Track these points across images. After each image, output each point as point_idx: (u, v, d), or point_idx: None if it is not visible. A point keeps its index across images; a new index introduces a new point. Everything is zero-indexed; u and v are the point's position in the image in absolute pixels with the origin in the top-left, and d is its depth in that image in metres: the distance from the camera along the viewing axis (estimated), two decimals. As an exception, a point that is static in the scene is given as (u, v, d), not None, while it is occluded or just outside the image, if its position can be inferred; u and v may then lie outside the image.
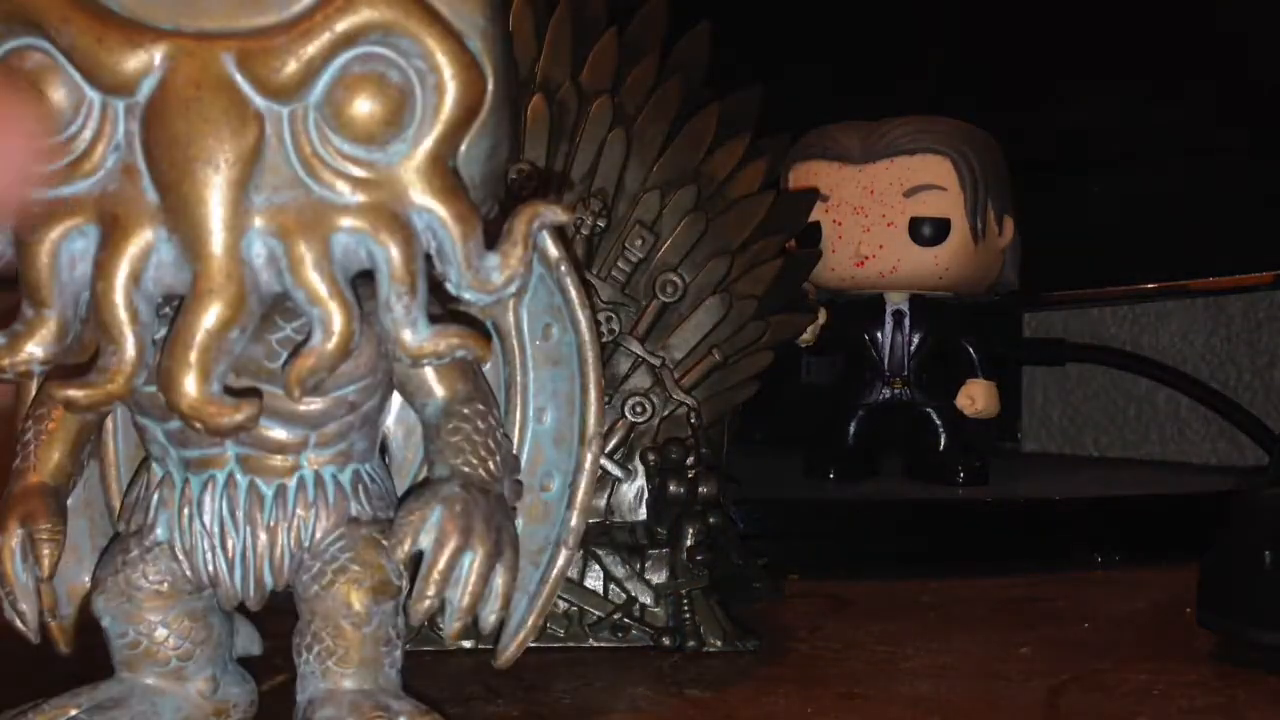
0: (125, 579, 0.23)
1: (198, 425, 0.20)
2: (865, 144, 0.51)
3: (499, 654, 0.24)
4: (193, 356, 0.19)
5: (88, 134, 0.20)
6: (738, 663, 0.30)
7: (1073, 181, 0.68)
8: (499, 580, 0.22)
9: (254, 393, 0.20)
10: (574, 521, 0.24)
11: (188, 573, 0.23)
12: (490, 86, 0.20)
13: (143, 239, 0.20)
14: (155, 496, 0.23)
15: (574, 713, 0.26)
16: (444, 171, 0.21)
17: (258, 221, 0.20)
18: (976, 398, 0.52)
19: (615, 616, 0.31)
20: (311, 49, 0.20)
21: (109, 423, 0.24)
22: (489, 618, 0.22)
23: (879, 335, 0.53)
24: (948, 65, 0.69)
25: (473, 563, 0.21)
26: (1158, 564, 0.42)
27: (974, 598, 0.38)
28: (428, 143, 0.20)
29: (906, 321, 0.53)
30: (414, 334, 0.20)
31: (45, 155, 0.20)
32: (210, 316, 0.19)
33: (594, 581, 0.32)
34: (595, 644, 0.31)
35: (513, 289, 0.21)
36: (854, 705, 0.26)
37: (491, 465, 0.23)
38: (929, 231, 0.50)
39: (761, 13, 0.58)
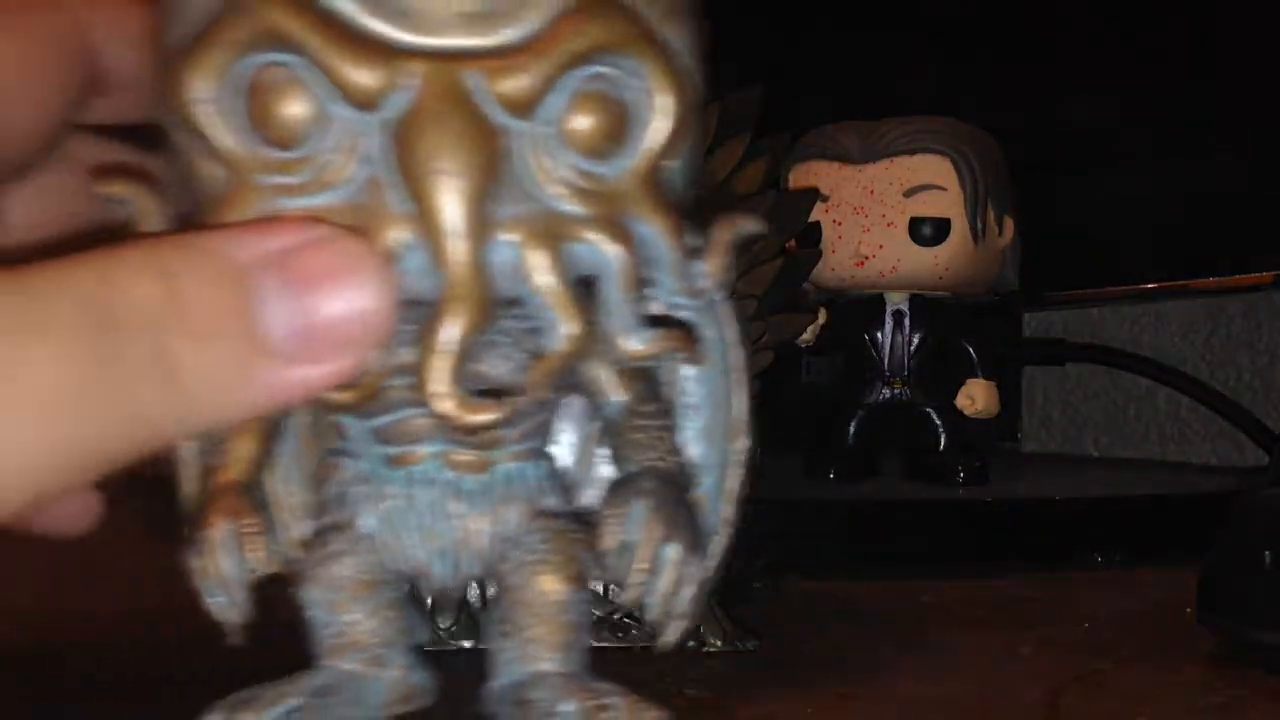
0: (332, 572, 0.24)
1: (454, 424, 0.21)
2: (865, 144, 0.51)
3: (661, 637, 0.24)
4: (447, 359, 0.20)
5: (331, 147, 0.21)
6: (738, 662, 0.30)
7: (1073, 181, 0.68)
8: (692, 570, 0.23)
9: (497, 394, 0.22)
10: (726, 512, 0.25)
11: (390, 564, 0.24)
12: (693, 103, 0.22)
13: (389, 250, 0.20)
14: (355, 491, 0.24)
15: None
16: (660, 184, 0.22)
17: (498, 231, 0.21)
18: (977, 397, 0.52)
19: (615, 616, 0.31)
20: (547, 67, 0.21)
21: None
22: (684, 604, 0.23)
23: (879, 335, 0.53)
24: (948, 65, 0.69)
25: (673, 554, 0.23)
26: (1158, 564, 0.42)
27: (974, 598, 0.38)
28: (647, 157, 0.22)
29: (906, 321, 0.53)
30: (637, 337, 0.22)
31: (287, 167, 0.20)
32: (460, 321, 0.20)
33: (594, 582, 0.32)
34: (596, 644, 0.31)
35: (717, 294, 0.23)
36: (854, 705, 0.26)
37: (675, 462, 0.24)
38: (929, 231, 0.50)
39: (762, 13, 0.58)
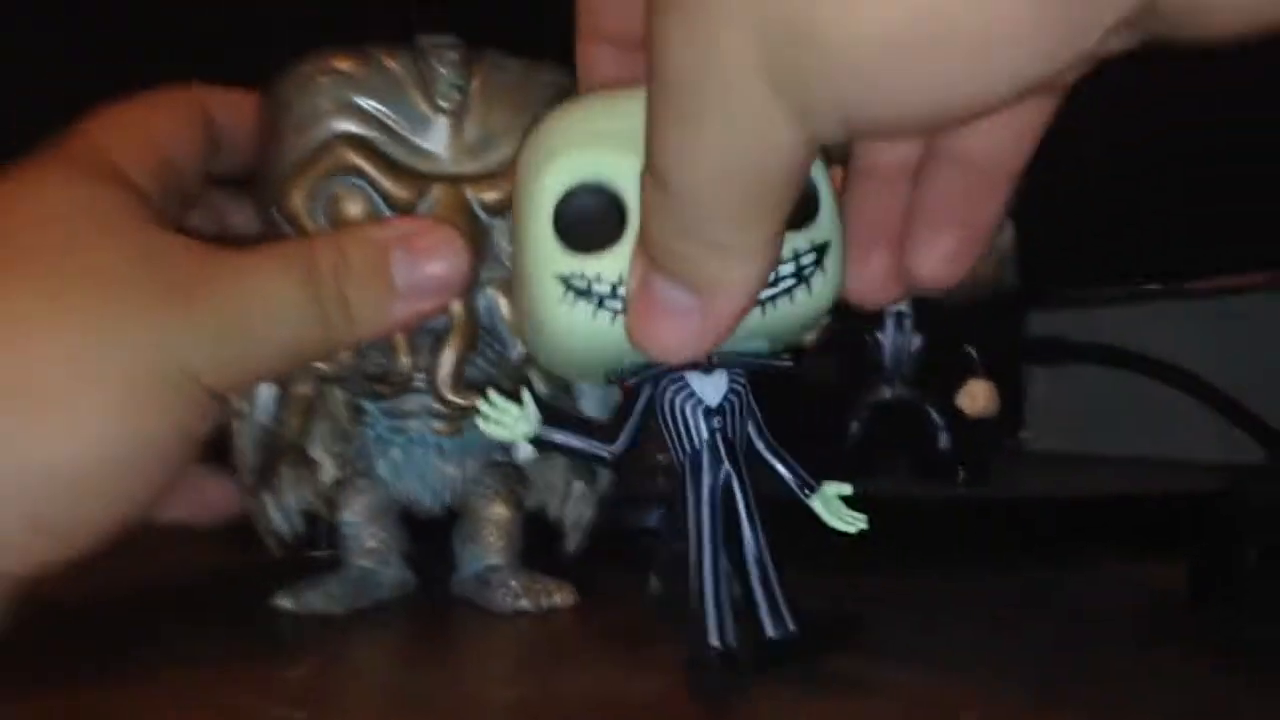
0: (356, 503, 0.36)
1: (452, 406, 0.35)
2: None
3: (568, 544, 0.38)
4: (449, 367, 0.34)
5: None
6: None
7: (1073, 181, 0.68)
8: (588, 498, 0.38)
9: (478, 388, 0.32)
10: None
11: (394, 497, 0.36)
12: None
13: None
14: (371, 449, 0.36)
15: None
16: None
17: (483, 286, 0.35)
18: (977, 396, 0.53)
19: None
20: (510, 185, 0.31)
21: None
22: (583, 521, 0.38)
23: (880, 336, 0.53)
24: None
25: (582, 487, 0.38)
26: (1158, 560, 0.42)
27: (974, 593, 0.39)
28: None
29: (907, 323, 0.54)
30: None
31: None
32: (458, 343, 0.34)
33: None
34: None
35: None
36: (852, 695, 0.28)
37: None
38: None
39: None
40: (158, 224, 0.30)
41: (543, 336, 0.28)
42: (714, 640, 0.27)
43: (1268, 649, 0.31)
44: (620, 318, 0.26)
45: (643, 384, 0.28)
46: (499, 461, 0.37)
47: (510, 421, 0.28)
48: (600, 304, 0.26)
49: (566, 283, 0.26)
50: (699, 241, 0.24)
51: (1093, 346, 0.74)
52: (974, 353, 0.52)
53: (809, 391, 0.66)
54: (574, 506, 0.37)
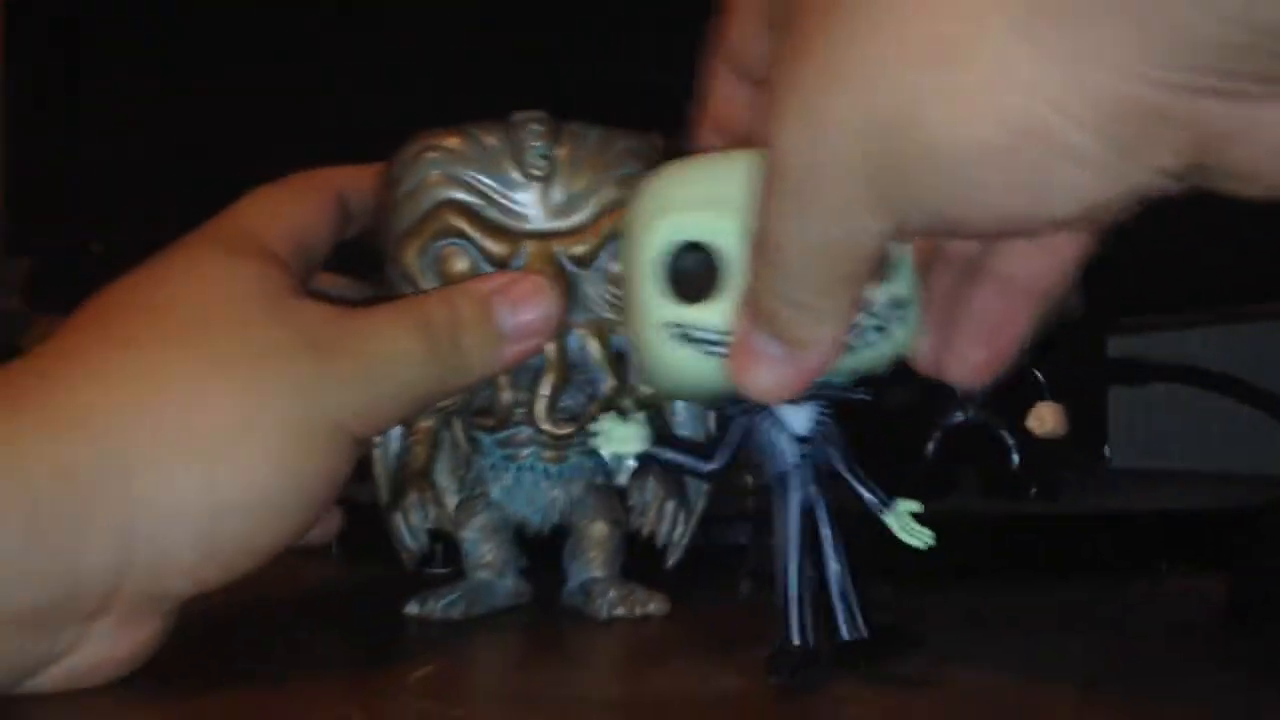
0: (475, 522, 0.41)
1: (549, 435, 0.39)
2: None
3: (669, 560, 0.42)
4: (545, 400, 0.39)
5: None
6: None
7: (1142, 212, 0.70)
8: (682, 517, 0.41)
9: (573, 418, 0.39)
10: (708, 485, 0.43)
11: (507, 518, 0.41)
12: None
13: None
14: (486, 475, 0.41)
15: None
16: None
17: (571, 329, 0.39)
18: (1045, 418, 0.55)
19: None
20: (597, 241, 0.39)
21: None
22: (675, 538, 0.41)
23: (954, 362, 0.56)
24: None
25: (672, 506, 0.41)
26: (1221, 573, 0.44)
27: (1034, 604, 0.42)
28: None
29: (979, 349, 0.56)
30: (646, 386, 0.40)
31: None
32: (552, 379, 0.39)
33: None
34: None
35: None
36: (913, 690, 0.31)
37: None
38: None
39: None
40: (296, 292, 0.35)
41: (651, 369, 0.32)
42: (795, 638, 0.31)
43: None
44: (718, 359, 0.30)
45: (738, 411, 0.32)
46: (600, 485, 0.41)
47: (626, 439, 0.32)
48: (701, 348, 0.30)
49: (671, 328, 0.30)
50: (792, 304, 0.28)
51: (1174, 367, 0.76)
52: (1041, 377, 0.55)
53: (889, 416, 0.69)
54: (668, 524, 0.41)
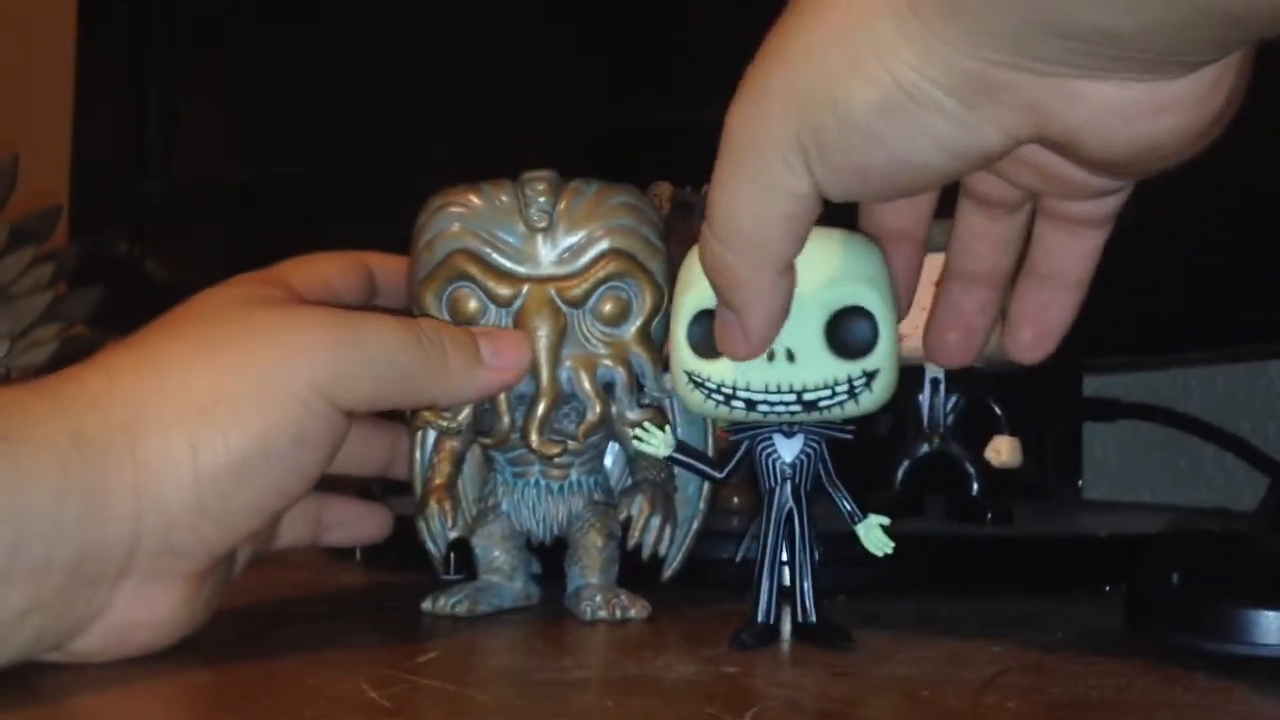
0: (487, 530, 0.46)
1: (539, 455, 0.44)
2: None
3: (665, 573, 0.47)
4: (536, 422, 0.43)
5: (489, 324, 0.44)
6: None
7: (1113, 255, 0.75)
8: (668, 532, 0.45)
9: (564, 440, 0.44)
10: (703, 505, 0.48)
11: (516, 528, 0.46)
12: (663, 301, 0.44)
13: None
14: (499, 489, 0.46)
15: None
16: (647, 338, 0.45)
17: (565, 361, 0.43)
18: (1001, 450, 0.60)
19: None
20: (590, 285, 0.44)
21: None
22: (663, 551, 0.45)
23: (920, 399, 0.62)
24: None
25: (658, 521, 0.44)
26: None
27: (978, 613, 0.46)
28: (639, 325, 0.45)
29: (942, 387, 0.62)
30: (633, 413, 0.44)
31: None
32: (544, 403, 0.43)
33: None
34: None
35: (673, 393, 0.43)
36: (844, 679, 0.36)
37: (663, 475, 0.46)
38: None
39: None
40: (299, 302, 0.40)
41: (682, 401, 0.40)
42: (760, 617, 0.39)
43: (1190, 657, 0.37)
44: (720, 401, 0.39)
45: (744, 438, 0.40)
46: (597, 500, 0.46)
47: (658, 442, 0.40)
48: (708, 393, 0.39)
49: (690, 376, 0.39)
50: (731, 278, 0.35)
51: (1144, 406, 0.81)
52: (999, 411, 0.60)
53: (866, 446, 0.73)
54: (652, 536, 0.44)
